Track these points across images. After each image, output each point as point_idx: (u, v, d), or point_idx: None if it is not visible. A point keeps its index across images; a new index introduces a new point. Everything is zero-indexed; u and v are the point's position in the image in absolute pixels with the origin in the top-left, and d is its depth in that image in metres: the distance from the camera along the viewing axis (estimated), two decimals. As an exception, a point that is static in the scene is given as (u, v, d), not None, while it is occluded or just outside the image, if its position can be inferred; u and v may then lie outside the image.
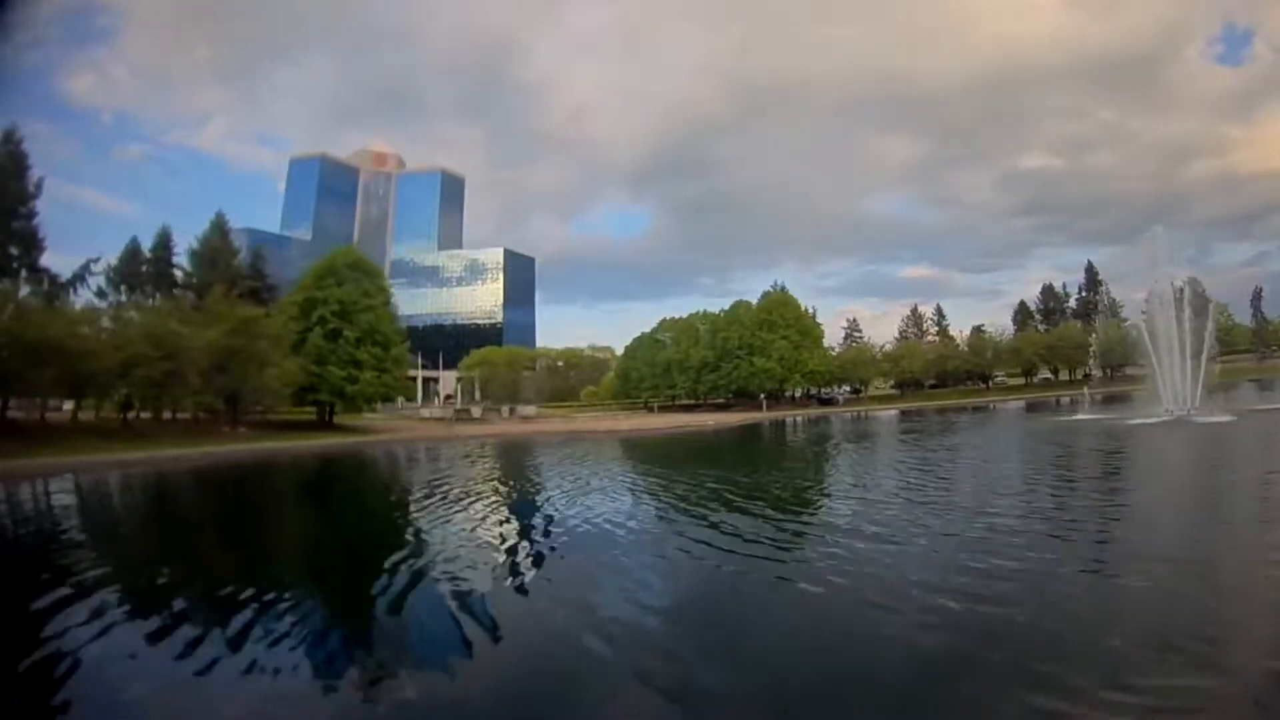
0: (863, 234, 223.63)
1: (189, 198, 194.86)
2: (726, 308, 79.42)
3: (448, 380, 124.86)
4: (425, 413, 71.82)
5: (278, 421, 45.50)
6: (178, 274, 48.51)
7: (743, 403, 77.14)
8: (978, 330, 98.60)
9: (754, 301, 78.30)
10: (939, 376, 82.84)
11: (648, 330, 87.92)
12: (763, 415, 61.69)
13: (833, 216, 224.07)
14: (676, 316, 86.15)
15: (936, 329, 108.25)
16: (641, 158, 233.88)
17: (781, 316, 72.56)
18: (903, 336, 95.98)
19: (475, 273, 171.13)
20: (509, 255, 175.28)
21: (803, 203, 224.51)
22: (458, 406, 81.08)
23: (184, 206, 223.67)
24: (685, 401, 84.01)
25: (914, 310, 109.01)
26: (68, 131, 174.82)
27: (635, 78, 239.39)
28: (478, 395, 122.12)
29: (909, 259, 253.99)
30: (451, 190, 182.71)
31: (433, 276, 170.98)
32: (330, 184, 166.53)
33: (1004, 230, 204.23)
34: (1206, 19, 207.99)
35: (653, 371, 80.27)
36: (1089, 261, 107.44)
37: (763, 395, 71.93)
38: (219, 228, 50.11)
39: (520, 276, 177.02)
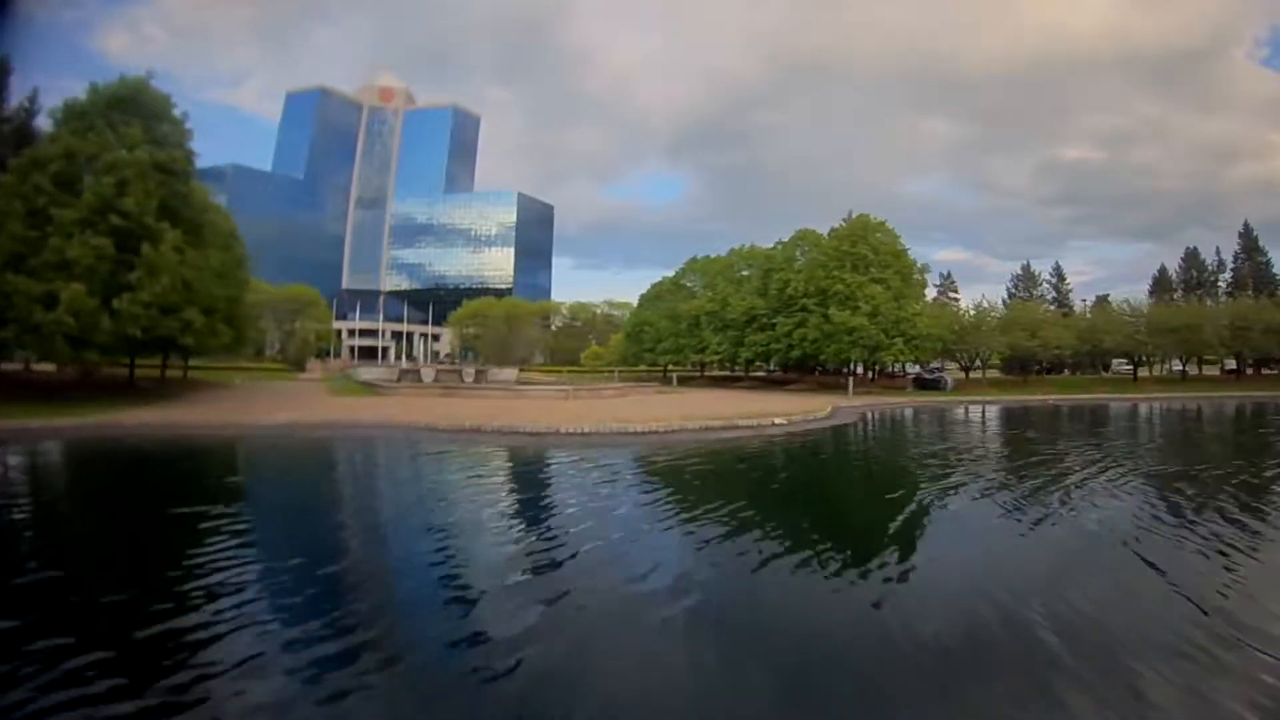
0: (898, 213, 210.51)
1: (224, 155, 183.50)
2: (783, 240, 53.83)
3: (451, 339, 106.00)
4: (365, 374, 50.20)
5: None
6: None
7: (801, 377, 52.87)
8: (1102, 301, 74.18)
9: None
10: (1052, 360, 57.04)
11: (670, 275, 63.43)
12: (865, 401, 37.26)
13: (869, 194, 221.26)
14: (711, 255, 61.35)
15: (1054, 296, 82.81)
16: (680, 126, 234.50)
17: (873, 250, 47.04)
18: (1012, 299, 72.48)
19: (484, 220, 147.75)
20: (524, 202, 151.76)
21: (839, 178, 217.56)
22: (404, 367, 58.58)
23: (219, 163, 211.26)
24: (718, 372, 59.78)
25: (1026, 268, 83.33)
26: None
27: (677, 47, 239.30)
28: (470, 355, 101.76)
29: (943, 241, 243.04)
30: (464, 130, 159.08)
31: (436, 224, 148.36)
32: (329, 120, 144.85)
33: (1040, 219, 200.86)
34: (1255, 21, 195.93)
35: (674, 328, 56.02)
36: (1245, 223, 79.90)
37: (849, 368, 47.48)
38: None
39: (536, 226, 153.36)
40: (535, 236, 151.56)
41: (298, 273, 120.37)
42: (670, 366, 58.96)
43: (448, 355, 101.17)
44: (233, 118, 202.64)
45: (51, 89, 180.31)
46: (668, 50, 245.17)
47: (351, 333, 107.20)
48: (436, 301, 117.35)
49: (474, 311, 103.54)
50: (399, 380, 50.12)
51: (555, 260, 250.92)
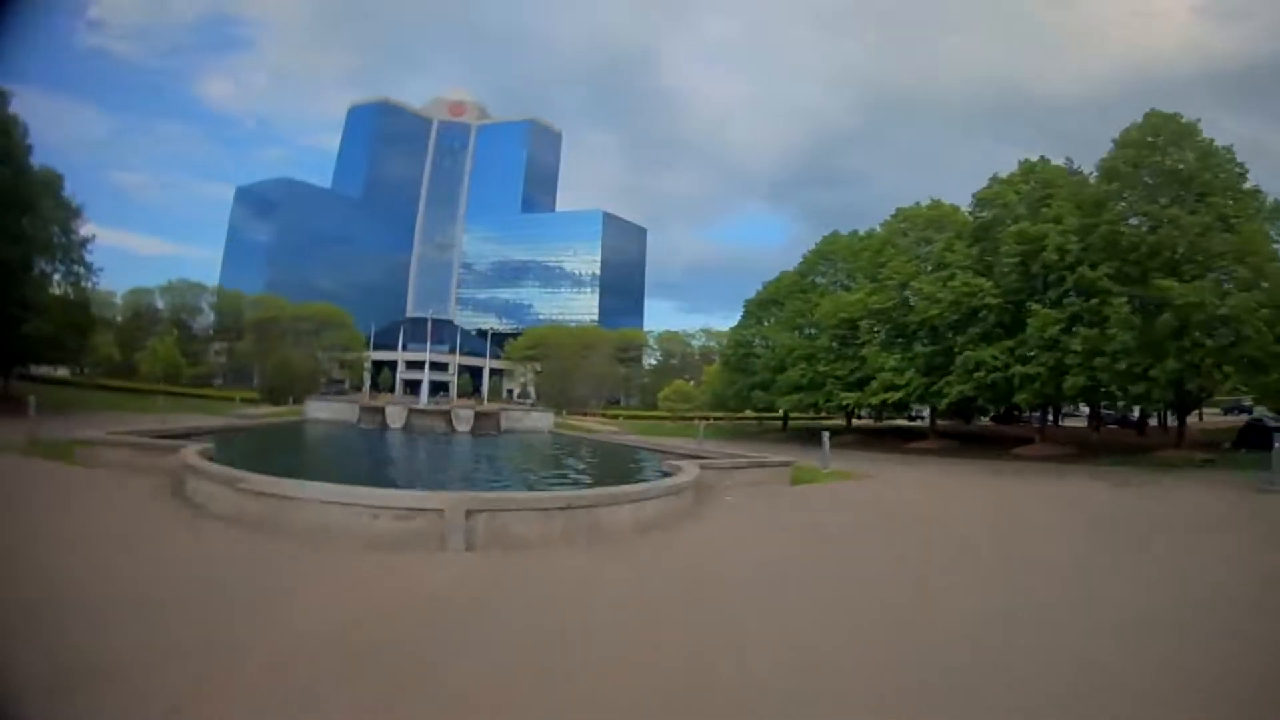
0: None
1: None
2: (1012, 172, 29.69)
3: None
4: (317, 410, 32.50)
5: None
6: None
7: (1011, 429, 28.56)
8: None
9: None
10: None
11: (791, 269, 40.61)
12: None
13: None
14: (860, 232, 38.23)
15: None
16: (776, 167, 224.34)
17: (1205, 168, 23.05)
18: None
19: (566, 243, 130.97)
20: (611, 222, 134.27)
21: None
22: (369, 403, 38.80)
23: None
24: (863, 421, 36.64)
25: None
26: (210, 134, 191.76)
27: (768, 88, 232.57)
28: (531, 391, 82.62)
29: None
30: (544, 146, 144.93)
31: (511, 246, 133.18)
32: (391, 134, 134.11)
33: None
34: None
35: (804, 347, 33.15)
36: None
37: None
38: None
39: (626, 250, 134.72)
40: (625, 262, 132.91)
41: (349, 297, 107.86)
42: (790, 407, 35.84)
43: (520, 395, 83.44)
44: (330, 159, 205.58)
45: (145, 129, 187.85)
46: (758, 91, 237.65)
47: (411, 364, 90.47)
48: (505, 334, 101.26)
49: (535, 340, 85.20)
50: (359, 420, 31.43)
51: (656, 303, 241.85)
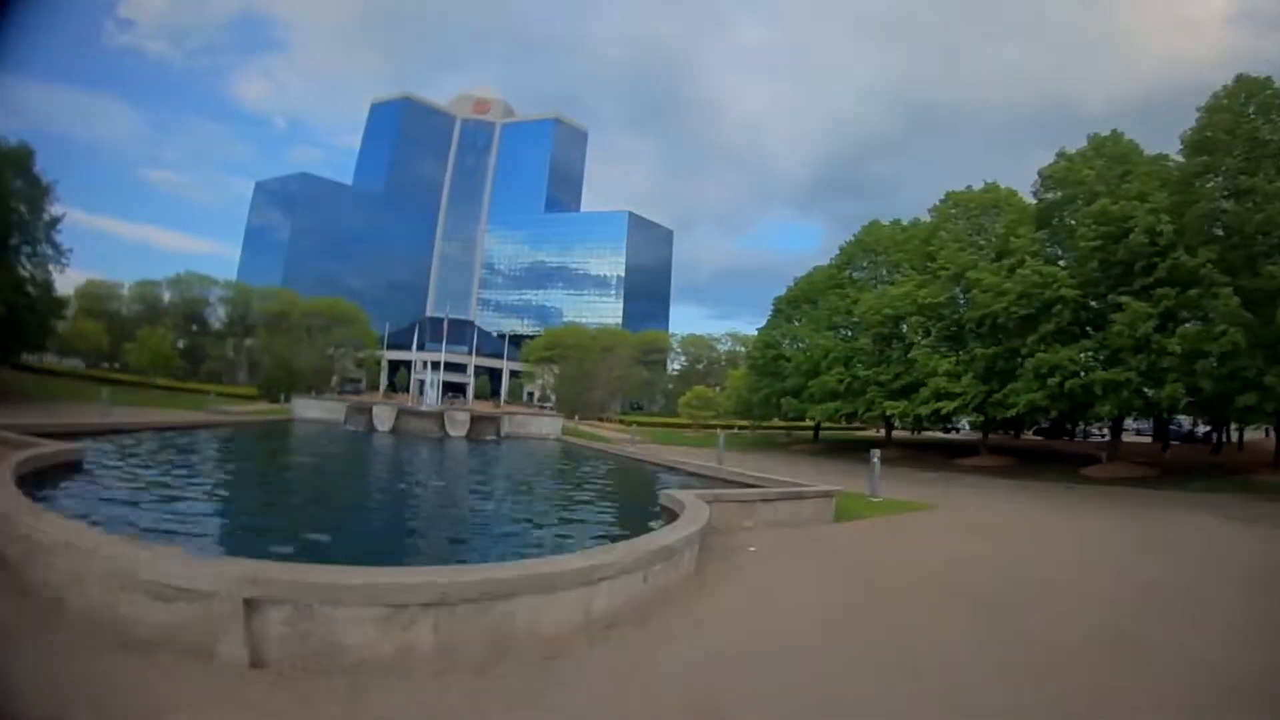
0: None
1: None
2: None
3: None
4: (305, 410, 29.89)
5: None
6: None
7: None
8: None
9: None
10: None
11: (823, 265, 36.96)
12: None
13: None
14: (903, 222, 34.57)
15: None
16: (810, 174, 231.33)
17: None
18: None
19: (590, 243, 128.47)
20: (634, 222, 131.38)
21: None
22: (356, 402, 36.05)
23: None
24: (901, 432, 33.18)
25: None
26: (242, 134, 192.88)
27: (804, 95, 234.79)
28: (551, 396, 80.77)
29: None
30: (569, 142, 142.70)
31: (535, 246, 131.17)
32: (414, 130, 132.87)
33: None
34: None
35: (841, 349, 29.54)
36: None
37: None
38: None
39: (651, 251, 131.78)
40: (651, 265, 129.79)
41: (369, 295, 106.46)
42: (826, 422, 32.25)
43: (540, 399, 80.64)
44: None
45: (175, 126, 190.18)
46: (795, 98, 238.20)
47: (429, 365, 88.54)
48: (527, 336, 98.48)
49: (553, 341, 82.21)
50: (345, 421, 28.90)
51: (684, 308, 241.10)
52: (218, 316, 61.65)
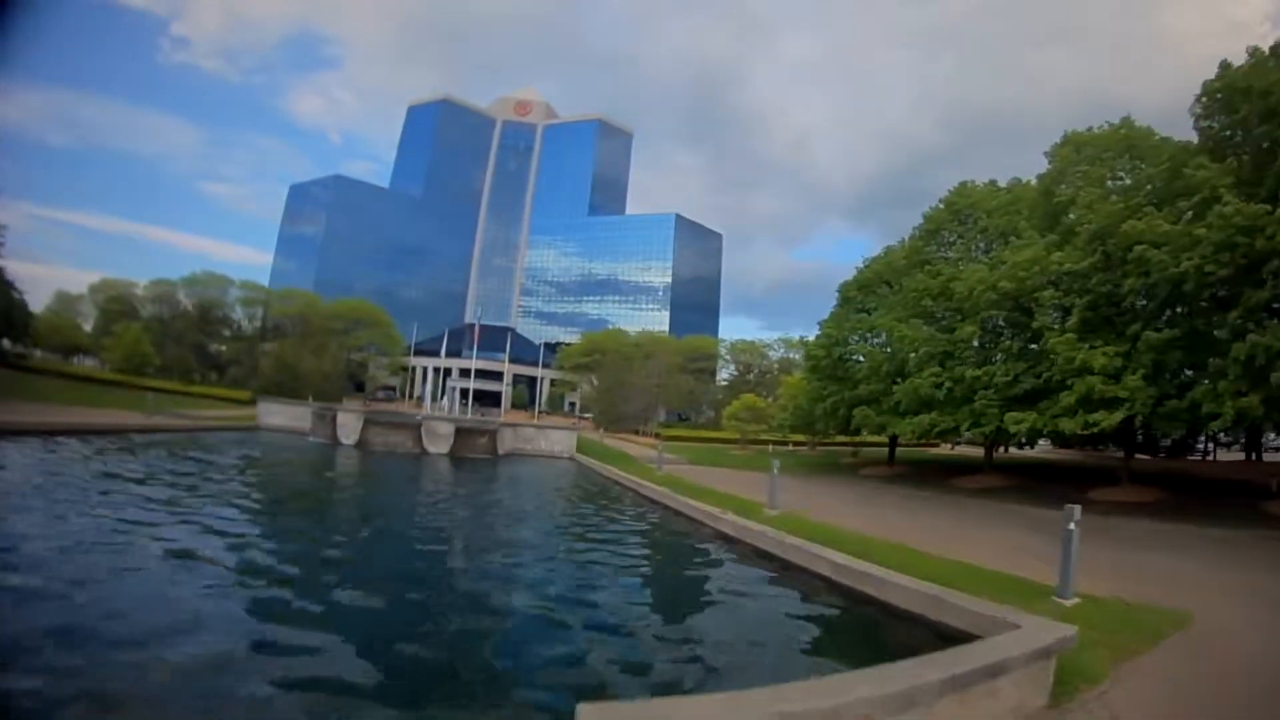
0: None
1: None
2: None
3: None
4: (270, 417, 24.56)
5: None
6: None
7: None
8: None
9: None
10: None
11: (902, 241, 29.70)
12: None
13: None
14: (1026, 180, 27.10)
15: None
16: (861, 186, 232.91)
17: None
18: None
19: (635, 248, 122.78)
20: (681, 225, 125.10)
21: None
22: (319, 409, 30.18)
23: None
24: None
25: None
26: (299, 148, 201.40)
27: (854, 107, 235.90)
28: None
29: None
30: (613, 144, 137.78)
31: (578, 250, 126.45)
32: (453, 133, 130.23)
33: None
34: None
35: (941, 342, 22.08)
36: None
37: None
38: None
39: (700, 258, 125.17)
40: (699, 272, 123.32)
41: (405, 299, 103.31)
42: (911, 438, 24.75)
43: (582, 410, 75.32)
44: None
45: (238, 142, 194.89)
46: (843, 110, 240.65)
47: (464, 373, 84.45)
48: (567, 344, 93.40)
49: (592, 346, 76.58)
50: (311, 430, 23.59)
51: (735, 319, 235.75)
52: (235, 317, 58.60)
